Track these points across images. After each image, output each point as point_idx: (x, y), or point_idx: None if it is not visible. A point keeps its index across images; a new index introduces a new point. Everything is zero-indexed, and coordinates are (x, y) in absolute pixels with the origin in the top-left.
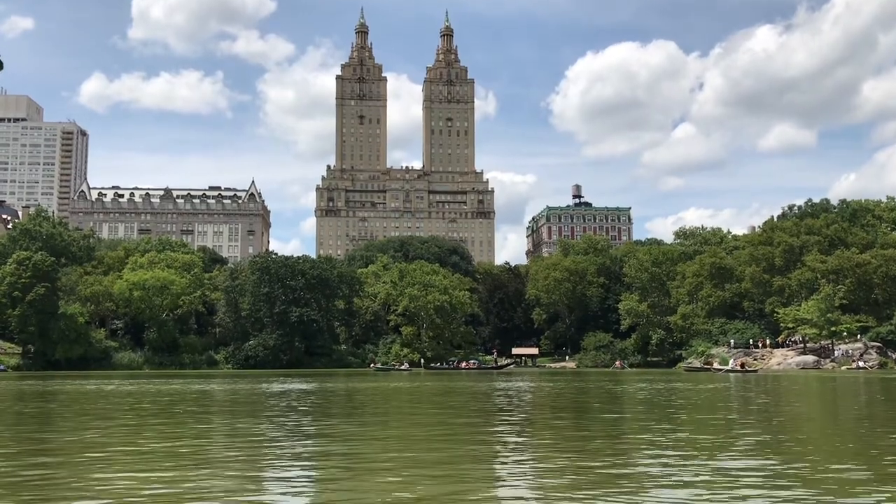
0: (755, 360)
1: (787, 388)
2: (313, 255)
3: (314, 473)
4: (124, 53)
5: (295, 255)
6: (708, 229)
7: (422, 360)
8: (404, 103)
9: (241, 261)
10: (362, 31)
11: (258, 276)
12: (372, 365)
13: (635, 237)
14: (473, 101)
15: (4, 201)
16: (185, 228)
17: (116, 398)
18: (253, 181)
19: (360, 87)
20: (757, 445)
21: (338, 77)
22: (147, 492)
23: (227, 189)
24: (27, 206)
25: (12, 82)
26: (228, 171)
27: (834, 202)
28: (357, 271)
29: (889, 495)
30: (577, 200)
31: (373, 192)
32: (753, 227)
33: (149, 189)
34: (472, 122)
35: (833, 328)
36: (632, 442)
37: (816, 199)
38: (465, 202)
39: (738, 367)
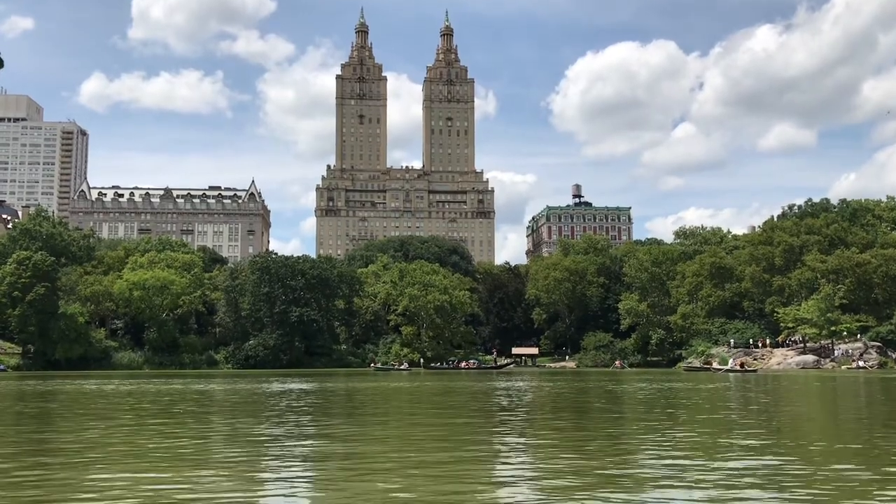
0: (755, 359)
1: (787, 387)
2: (313, 255)
3: (314, 474)
4: (124, 53)
5: (295, 255)
6: (708, 229)
7: (422, 360)
8: (404, 103)
9: (241, 261)
10: (362, 31)
11: (258, 275)
12: (372, 365)
13: (635, 237)
14: (473, 101)
15: (4, 201)
16: (185, 228)
17: (116, 398)
18: (253, 181)
19: (360, 86)
20: (757, 445)
21: (338, 77)
22: (147, 492)
23: (227, 189)
24: (27, 206)
25: (12, 82)
26: (228, 170)
27: (834, 202)
28: (357, 271)
29: (889, 495)
30: (577, 200)
31: (373, 191)
32: (753, 227)
33: (149, 189)
34: (472, 122)
35: (833, 328)
36: (632, 442)
37: (816, 199)
38: (465, 202)
39: (738, 367)
